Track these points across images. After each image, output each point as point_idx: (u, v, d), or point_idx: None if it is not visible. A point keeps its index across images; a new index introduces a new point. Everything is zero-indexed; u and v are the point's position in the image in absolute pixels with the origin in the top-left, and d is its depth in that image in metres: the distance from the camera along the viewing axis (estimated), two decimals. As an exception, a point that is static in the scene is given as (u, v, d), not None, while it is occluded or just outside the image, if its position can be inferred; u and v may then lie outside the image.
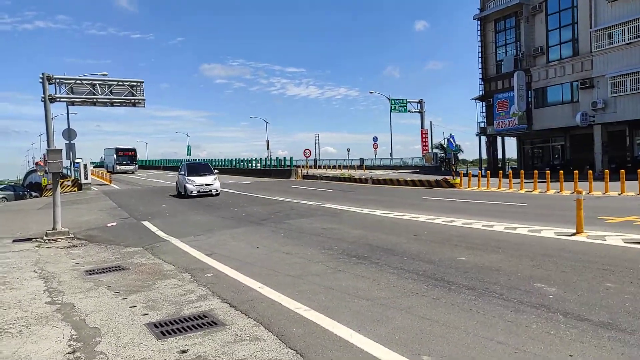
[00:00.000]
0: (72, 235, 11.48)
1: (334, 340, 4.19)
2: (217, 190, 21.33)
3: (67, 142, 22.92)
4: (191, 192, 20.62)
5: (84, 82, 12.77)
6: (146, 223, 13.43)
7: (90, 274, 7.47)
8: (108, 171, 56.65)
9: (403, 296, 5.46)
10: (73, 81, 12.56)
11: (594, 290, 5.26)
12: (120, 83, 13.01)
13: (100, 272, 7.53)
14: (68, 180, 30.78)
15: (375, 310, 5.00)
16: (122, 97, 13.04)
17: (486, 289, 5.54)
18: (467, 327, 4.36)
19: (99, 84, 12.79)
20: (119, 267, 7.88)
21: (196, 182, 20.89)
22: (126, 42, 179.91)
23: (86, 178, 30.19)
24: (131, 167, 58.22)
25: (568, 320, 4.38)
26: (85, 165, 30.52)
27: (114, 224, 13.70)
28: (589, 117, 28.15)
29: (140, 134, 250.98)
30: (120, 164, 57.33)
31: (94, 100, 12.84)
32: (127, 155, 58.88)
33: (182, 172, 21.98)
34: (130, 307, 5.52)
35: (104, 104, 13.20)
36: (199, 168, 23.11)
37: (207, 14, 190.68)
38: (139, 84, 13.20)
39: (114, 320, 5.05)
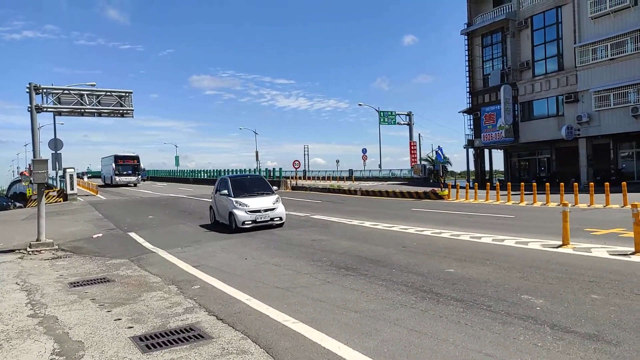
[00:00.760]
0: (57, 247, 11.30)
1: (322, 353, 4.16)
2: (281, 219, 13.49)
3: (54, 152, 22.69)
4: (244, 223, 12.77)
5: (71, 92, 12.69)
6: (133, 234, 13.27)
7: (74, 286, 7.34)
8: (106, 183, 51.58)
9: (391, 308, 5.45)
10: (60, 91, 12.47)
11: (580, 302, 5.30)
12: (108, 93, 12.96)
13: (84, 284, 7.40)
14: (53, 191, 30.36)
15: (363, 322, 4.98)
16: (111, 107, 12.98)
17: (474, 300, 5.55)
18: (455, 339, 4.35)
19: (87, 94, 12.72)
20: (104, 279, 7.76)
21: (251, 207, 12.97)
22: (115, 53, 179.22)
23: (72, 188, 29.80)
24: (133, 179, 49.18)
25: (555, 332, 4.40)
26: (71, 176, 30.13)
27: (100, 235, 13.51)
28: (574, 130, 28.63)
29: (129, 145, 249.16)
30: (120, 175, 48.38)
31: (82, 110, 12.75)
32: (128, 164, 49.42)
33: (225, 191, 13.69)
34: (115, 320, 5.43)
35: (92, 114, 13.11)
36: (250, 183, 14.51)
37: (197, 26, 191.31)
38: (127, 94, 13.16)
39: (98, 333, 4.95)
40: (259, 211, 12.95)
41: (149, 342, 4.63)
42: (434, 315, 5.11)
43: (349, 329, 4.77)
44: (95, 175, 74.11)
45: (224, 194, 13.56)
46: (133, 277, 7.87)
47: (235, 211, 12.86)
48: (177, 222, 16.24)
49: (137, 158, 50.87)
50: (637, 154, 28.55)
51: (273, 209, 13.23)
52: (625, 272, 6.60)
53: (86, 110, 12.74)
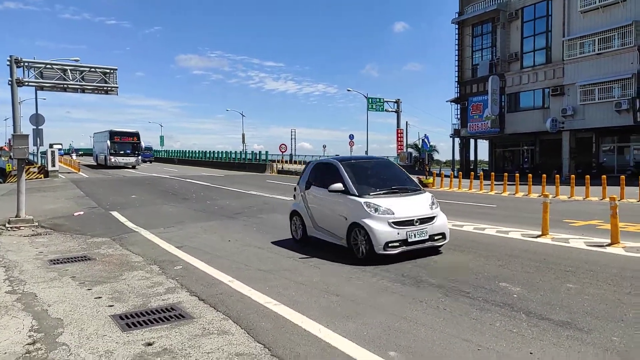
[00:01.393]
0: (37, 224, 11.14)
1: (303, 335, 4.20)
2: (444, 236, 7.62)
3: (35, 127, 22.23)
4: (388, 245, 6.86)
5: (54, 66, 12.38)
6: (115, 213, 13.14)
7: (54, 263, 7.27)
8: (98, 163, 43.58)
9: (373, 293, 5.52)
10: (43, 65, 12.17)
11: (556, 291, 5.44)
12: (92, 69, 12.68)
13: (65, 262, 7.33)
14: (34, 167, 29.80)
15: (345, 306, 5.04)
16: (95, 84, 12.71)
17: (453, 287, 5.65)
18: (433, 324, 4.44)
19: (70, 70, 12.43)
20: (84, 257, 7.69)
21: (398, 214, 7.06)
22: (101, 28, 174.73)
23: (53, 165, 29.28)
24: (132, 160, 40.91)
25: (530, 319, 4.51)
26: (52, 152, 29.58)
27: (81, 213, 13.35)
28: (559, 123, 29.01)
29: (112, 122, 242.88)
30: (116, 154, 40.16)
31: (65, 86, 12.47)
32: (126, 142, 40.93)
33: (336, 185, 7.58)
34: (96, 298, 5.40)
35: (75, 90, 12.84)
36: (379, 172, 8.57)
37: (187, 4, 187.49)
38: (112, 71, 12.89)
39: (77, 311, 4.93)
40: (411, 223, 7.12)
41: (129, 320, 4.62)
42: (414, 300, 5.19)
43: (329, 312, 4.82)
44: (87, 153, 68.18)
45: (336, 190, 7.57)
46: (114, 256, 7.82)
47: (370, 223, 6.97)
48: (161, 202, 16.11)
49: (136, 135, 42.34)
50: (618, 148, 29.09)
51: (431, 219, 7.42)
52: (600, 262, 6.78)
53: (69, 85, 12.47)
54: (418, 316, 4.66)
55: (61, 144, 70.91)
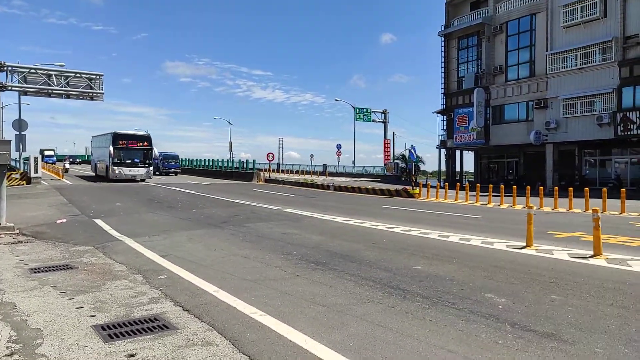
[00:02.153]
0: (18, 231, 10.90)
1: (288, 346, 4.16)
2: None
3: (18, 133, 21.88)
4: None
5: (38, 71, 12.26)
6: (98, 221, 12.94)
7: (35, 272, 7.11)
8: (98, 174, 35.76)
9: (359, 303, 5.50)
10: (27, 70, 12.04)
11: (540, 302, 5.48)
12: (78, 75, 12.59)
13: (46, 271, 7.17)
14: (16, 173, 29.25)
15: (331, 316, 5.01)
16: (80, 89, 12.61)
17: (439, 298, 5.66)
18: (419, 335, 4.43)
19: (55, 75, 12.32)
20: (66, 265, 7.54)
21: None
22: (87, 34, 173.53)
23: (36, 172, 28.75)
24: (141, 171, 32.49)
25: (515, 331, 4.54)
26: (35, 158, 29.07)
27: (64, 220, 13.12)
28: (542, 135, 29.51)
29: (97, 129, 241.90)
30: (122, 164, 31.63)
31: (49, 91, 12.36)
32: (134, 149, 32.37)
33: None
34: (77, 308, 5.29)
35: (60, 95, 12.74)
36: None
37: (174, 11, 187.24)
38: (97, 77, 12.82)
39: (58, 321, 4.81)
40: None
41: (112, 331, 4.53)
42: (400, 311, 5.18)
43: (315, 323, 4.79)
44: (87, 161, 60.72)
45: None
46: (97, 264, 7.68)
47: None
48: (146, 210, 15.92)
49: (147, 139, 33.36)
50: (601, 161, 29.67)
51: None
52: (584, 274, 6.87)
53: (54, 91, 12.36)
54: (404, 327, 4.66)
55: (53, 150, 66.21)
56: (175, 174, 45.22)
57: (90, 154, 40.45)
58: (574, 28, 27.91)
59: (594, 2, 26.60)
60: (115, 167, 31.26)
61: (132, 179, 31.94)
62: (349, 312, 5.13)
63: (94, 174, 37.22)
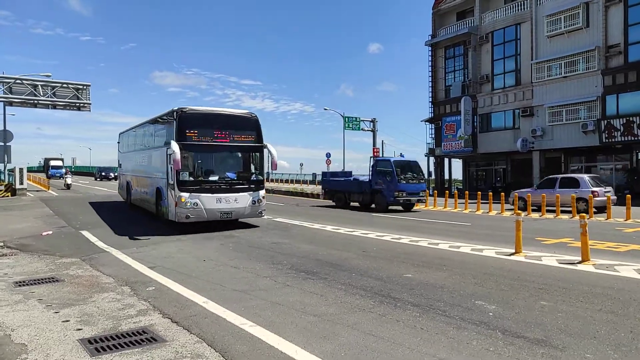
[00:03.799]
0: (2, 244, 10.70)
1: (279, 357, 4.12)
2: None
3: (2, 144, 21.58)
4: None
5: (24, 82, 12.13)
6: (85, 233, 12.76)
7: (19, 285, 6.97)
8: (132, 203, 19.17)
9: (350, 312, 5.47)
10: (12, 80, 11.90)
11: (530, 308, 5.50)
12: (64, 85, 12.47)
13: (31, 284, 7.04)
14: (1, 185, 28.80)
15: (322, 326, 4.98)
16: (67, 100, 12.49)
17: (430, 305, 5.66)
18: (411, 343, 4.42)
19: (42, 85, 12.19)
20: (52, 278, 7.40)
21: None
22: (74, 44, 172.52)
23: (22, 183, 28.31)
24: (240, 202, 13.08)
25: (506, 337, 4.54)
26: (20, 170, 28.65)
27: (50, 232, 12.91)
28: (529, 143, 29.88)
29: (85, 139, 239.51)
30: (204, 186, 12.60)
31: (35, 101, 12.23)
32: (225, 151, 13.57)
33: None
34: (63, 321, 5.18)
35: (46, 106, 12.60)
36: None
37: (162, 21, 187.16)
38: (84, 87, 12.71)
39: (43, 335, 4.71)
40: None
41: (99, 344, 4.44)
42: (391, 319, 5.17)
43: (306, 333, 4.75)
44: (79, 172, 47.91)
45: None
46: (84, 277, 7.56)
47: None
48: (134, 221, 15.74)
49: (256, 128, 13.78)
50: (586, 168, 30.07)
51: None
52: (572, 280, 6.92)
53: (40, 101, 12.23)
54: (395, 336, 4.64)
55: (62, 160, 53.58)
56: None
57: (118, 163, 22.11)
58: (558, 37, 28.42)
59: (576, 12, 27.14)
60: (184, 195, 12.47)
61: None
62: (340, 322, 5.10)
63: (123, 199, 21.30)
